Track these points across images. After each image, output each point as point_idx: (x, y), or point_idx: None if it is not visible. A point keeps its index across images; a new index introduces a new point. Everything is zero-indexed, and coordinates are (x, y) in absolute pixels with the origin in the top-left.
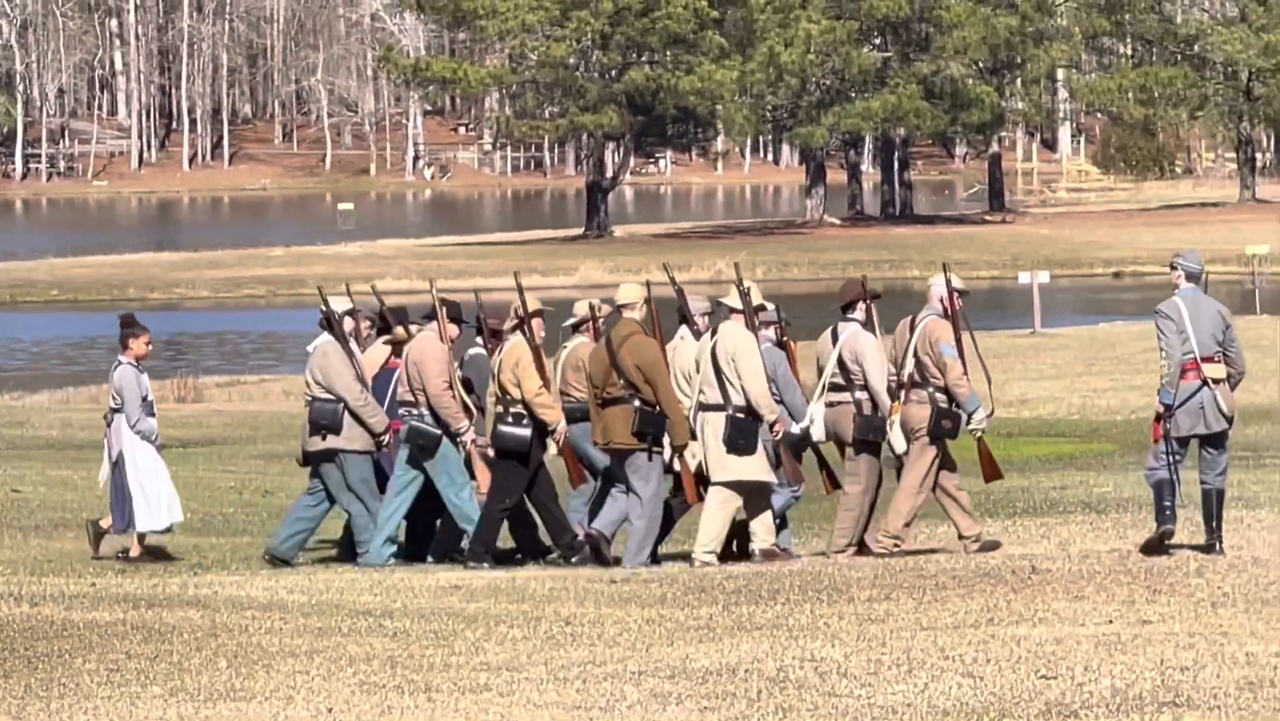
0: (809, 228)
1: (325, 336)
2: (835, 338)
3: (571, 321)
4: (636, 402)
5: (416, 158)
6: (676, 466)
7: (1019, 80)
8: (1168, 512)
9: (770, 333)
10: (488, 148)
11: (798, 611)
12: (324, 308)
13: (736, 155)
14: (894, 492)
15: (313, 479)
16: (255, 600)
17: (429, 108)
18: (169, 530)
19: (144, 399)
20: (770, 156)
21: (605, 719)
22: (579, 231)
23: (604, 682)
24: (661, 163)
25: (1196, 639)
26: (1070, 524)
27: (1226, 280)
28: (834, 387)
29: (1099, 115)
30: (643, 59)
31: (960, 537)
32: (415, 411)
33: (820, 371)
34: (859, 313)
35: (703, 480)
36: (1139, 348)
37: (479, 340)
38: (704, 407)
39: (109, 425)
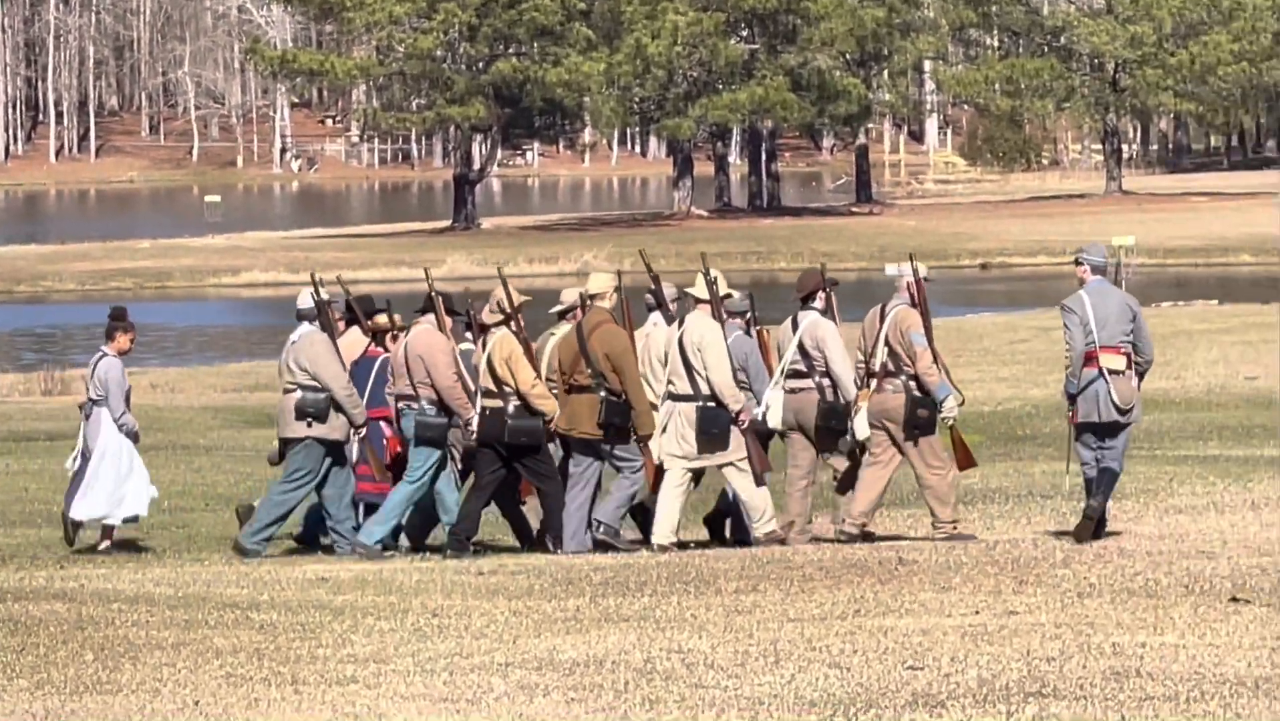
0: (676, 219)
1: (309, 326)
2: (795, 326)
3: (559, 309)
4: (603, 392)
5: (284, 150)
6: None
7: (886, 72)
8: (1096, 495)
9: (739, 322)
10: (355, 140)
11: (665, 603)
12: (315, 296)
13: (604, 147)
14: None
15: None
16: (122, 593)
17: (296, 100)
18: (134, 520)
19: (127, 392)
20: (637, 148)
21: (472, 711)
22: (446, 224)
23: (471, 674)
24: (529, 155)
25: (1063, 629)
26: None
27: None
28: (794, 374)
29: (966, 107)
30: (510, 51)
31: (845, 519)
32: (416, 405)
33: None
34: (819, 301)
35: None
36: (1006, 339)
37: (468, 335)
38: (673, 397)
39: (87, 417)
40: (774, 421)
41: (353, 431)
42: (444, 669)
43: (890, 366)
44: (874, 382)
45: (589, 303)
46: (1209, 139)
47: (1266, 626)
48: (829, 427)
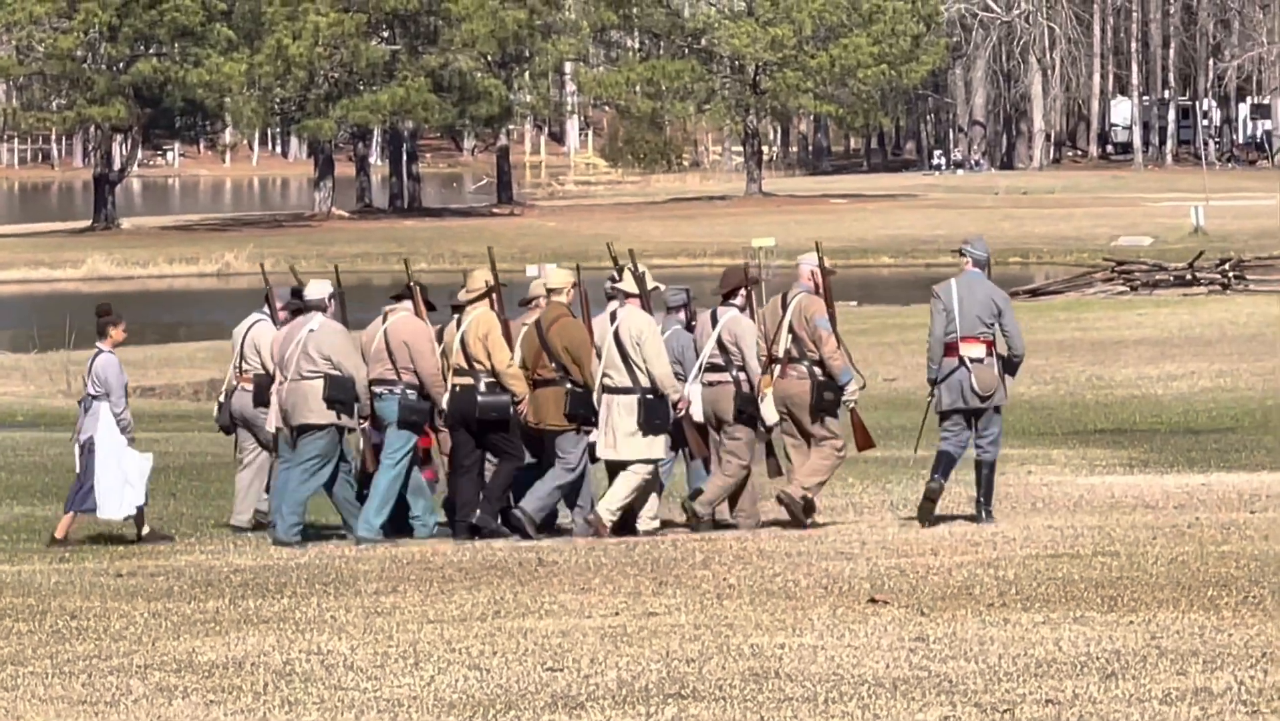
0: (317, 220)
1: (323, 317)
2: (715, 321)
3: (525, 297)
4: (568, 385)
5: None
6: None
7: (527, 73)
8: (935, 475)
9: (681, 315)
10: None
11: (304, 604)
12: (336, 286)
13: (245, 148)
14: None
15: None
16: None
17: None
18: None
19: (125, 386)
20: (279, 149)
21: (110, 713)
22: (86, 224)
23: (109, 676)
24: (170, 155)
25: (702, 631)
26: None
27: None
28: (712, 368)
29: (607, 108)
30: (150, 51)
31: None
32: (396, 390)
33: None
34: (739, 299)
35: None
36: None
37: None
38: (609, 390)
39: (85, 411)
40: (696, 414)
41: (359, 421)
42: (82, 671)
43: (794, 352)
44: (777, 369)
45: (548, 297)
46: (849, 141)
47: (904, 627)
48: (746, 412)
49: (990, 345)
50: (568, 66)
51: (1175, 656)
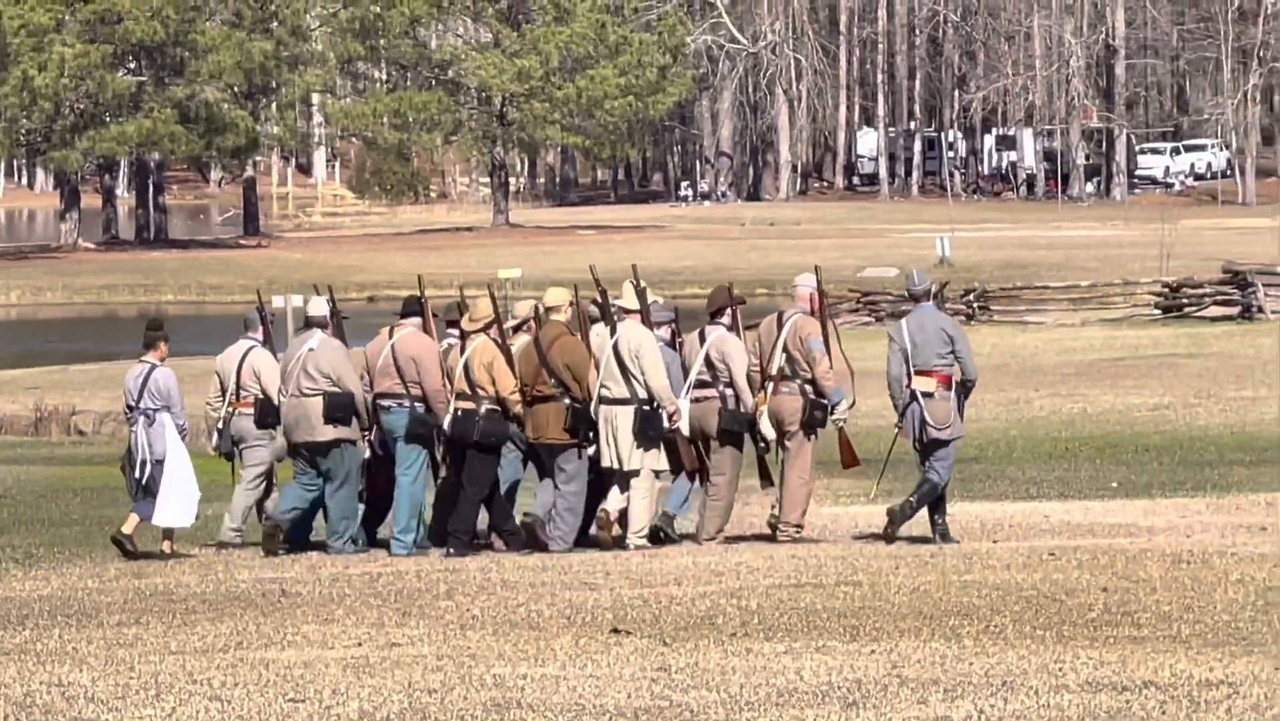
0: (63, 252)
1: (323, 334)
2: (703, 339)
3: (513, 322)
4: (567, 400)
5: None
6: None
7: (274, 105)
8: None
9: (664, 332)
10: None
11: (46, 636)
12: (331, 303)
13: None
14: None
15: (305, 466)
16: None
17: None
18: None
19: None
20: (25, 180)
21: None
22: None
23: None
24: None
25: (445, 661)
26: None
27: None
28: (700, 384)
29: (354, 140)
30: None
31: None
32: (404, 403)
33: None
34: (726, 318)
35: (597, 470)
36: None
37: (451, 332)
38: (608, 401)
39: (138, 424)
40: (684, 427)
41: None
42: None
43: (786, 371)
44: (770, 386)
45: (545, 315)
46: (596, 172)
47: (646, 657)
48: (731, 431)
49: (947, 379)
50: (314, 98)
51: (916, 685)
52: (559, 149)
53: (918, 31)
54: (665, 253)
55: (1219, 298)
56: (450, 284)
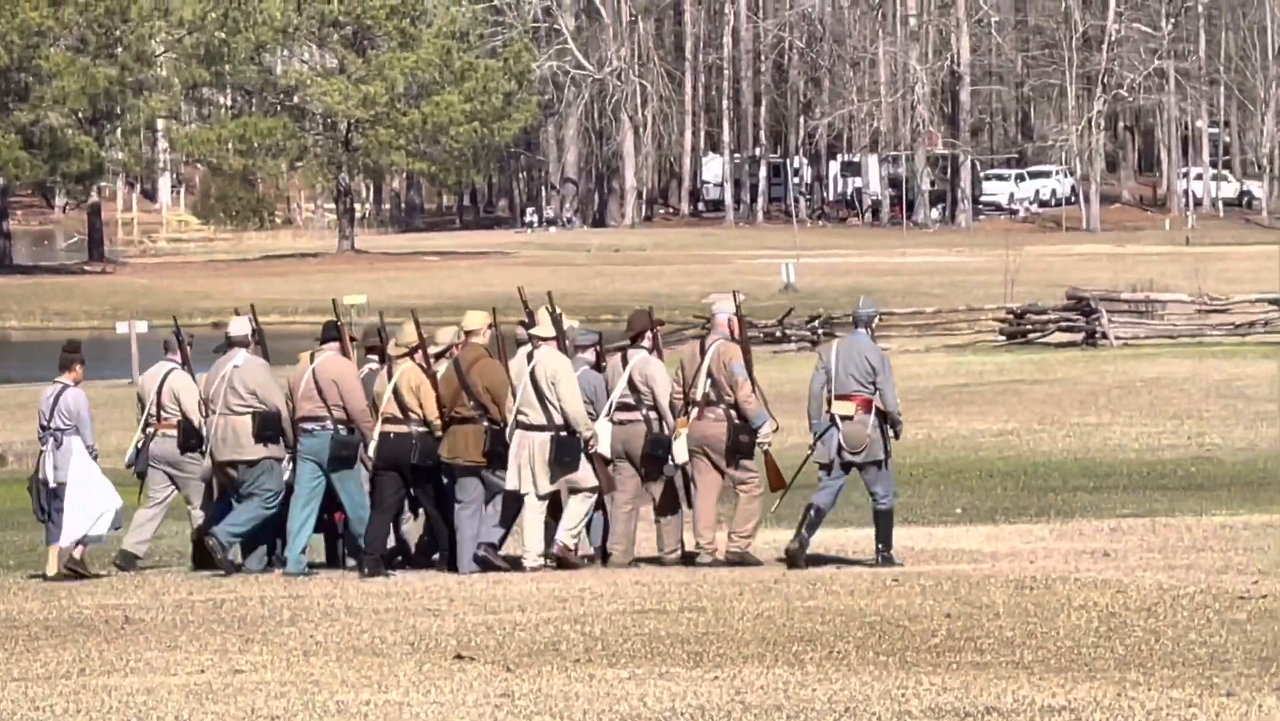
0: None
1: (246, 353)
2: (625, 362)
3: (436, 349)
4: (485, 423)
5: None
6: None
7: (119, 130)
8: (799, 530)
9: (589, 355)
10: None
11: None
12: (254, 323)
13: None
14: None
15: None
16: None
17: None
18: (99, 540)
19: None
20: None
21: None
22: None
23: None
24: None
25: (288, 687)
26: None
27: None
28: (623, 407)
29: (199, 165)
30: None
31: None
32: (327, 426)
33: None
34: (647, 341)
35: (516, 497)
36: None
37: (371, 359)
38: (524, 427)
39: (48, 445)
40: (604, 450)
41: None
42: None
43: (712, 396)
44: (694, 411)
45: (465, 339)
46: (442, 198)
47: (490, 683)
48: (655, 456)
49: (866, 403)
50: (160, 123)
51: (760, 711)
52: (404, 175)
53: (763, 58)
54: (510, 279)
55: (1063, 324)
56: (296, 310)
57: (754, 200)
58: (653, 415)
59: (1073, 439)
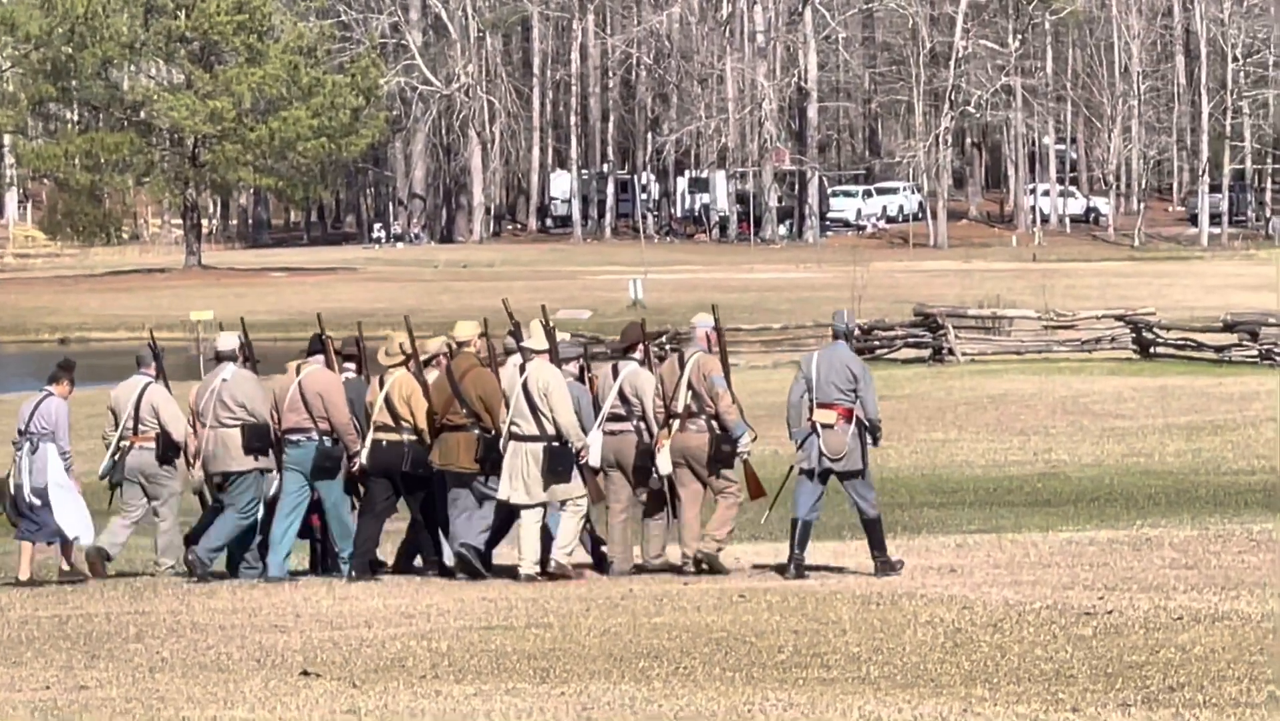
0: None
1: (235, 366)
2: (616, 374)
3: (425, 357)
4: (477, 431)
5: None
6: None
7: None
8: (793, 550)
9: (573, 368)
10: None
11: None
12: (242, 337)
13: None
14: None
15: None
16: None
17: None
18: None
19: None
20: None
21: None
22: None
23: None
24: None
25: (133, 704)
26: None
27: (173, 346)
28: (614, 418)
29: (46, 181)
30: None
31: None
32: (312, 437)
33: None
34: (638, 353)
35: (509, 509)
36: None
37: (349, 366)
38: (517, 438)
39: (23, 450)
40: (594, 460)
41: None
42: None
43: (693, 408)
44: (676, 423)
45: (457, 349)
46: (289, 214)
47: (336, 700)
48: (645, 466)
49: (848, 412)
50: (6, 138)
51: None
52: (252, 190)
53: (611, 74)
54: (358, 294)
55: (910, 340)
56: (143, 325)
57: (602, 216)
58: (643, 426)
59: (919, 455)
